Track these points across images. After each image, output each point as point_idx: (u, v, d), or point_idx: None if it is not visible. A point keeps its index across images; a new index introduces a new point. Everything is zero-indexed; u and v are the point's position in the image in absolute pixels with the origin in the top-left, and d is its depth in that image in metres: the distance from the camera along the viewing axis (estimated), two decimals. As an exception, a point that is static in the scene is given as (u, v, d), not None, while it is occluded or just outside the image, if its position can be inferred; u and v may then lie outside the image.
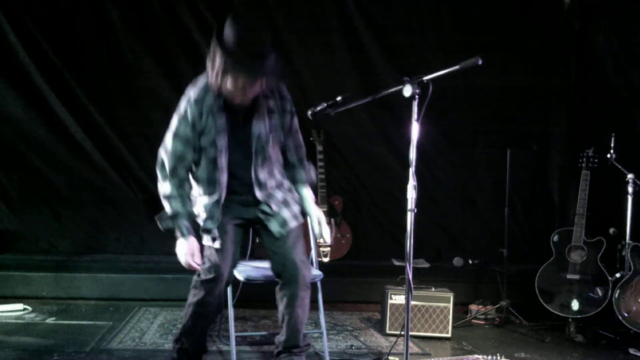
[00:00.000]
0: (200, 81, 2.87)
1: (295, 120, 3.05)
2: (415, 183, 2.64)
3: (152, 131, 5.53)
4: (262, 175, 2.94)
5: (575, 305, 4.24)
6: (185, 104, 2.85)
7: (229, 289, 3.31)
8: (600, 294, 4.20)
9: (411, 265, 2.63)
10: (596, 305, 4.19)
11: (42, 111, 5.34)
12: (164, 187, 2.91)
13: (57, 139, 5.40)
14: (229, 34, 2.67)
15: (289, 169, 3.10)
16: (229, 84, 2.72)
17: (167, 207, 2.90)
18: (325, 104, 3.00)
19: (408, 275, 2.63)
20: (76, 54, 5.38)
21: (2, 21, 5.19)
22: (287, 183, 3.09)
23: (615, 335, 4.21)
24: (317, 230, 3.06)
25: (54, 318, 4.17)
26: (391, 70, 5.57)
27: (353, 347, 3.77)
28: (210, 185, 2.92)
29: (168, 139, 2.90)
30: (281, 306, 3.07)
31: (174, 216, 2.88)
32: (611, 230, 4.41)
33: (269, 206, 2.98)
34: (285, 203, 3.02)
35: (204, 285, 2.94)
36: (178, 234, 2.87)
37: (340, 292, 4.79)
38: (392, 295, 4.07)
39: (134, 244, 5.62)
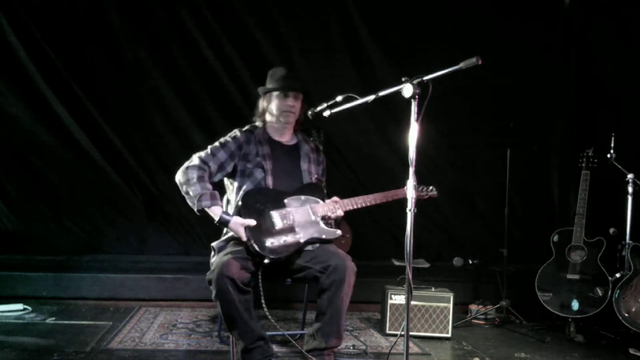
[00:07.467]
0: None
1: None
2: (415, 183, 2.64)
3: (153, 131, 5.56)
4: None
5: (575, 305, 4.24)
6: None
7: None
8: (600, 294, 4.19)
9: (411, 265, 2.63)
10: (596, 305, 4.19)
11: (42, 111, 5.35)
12: None
13: (57, 139, 5.40)
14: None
15: None
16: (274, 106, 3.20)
17: None
18: (325, 104, 3.00)
19: (408, 275, 2.63)
20: (76, 54, 5.38)
21: (2, 21, 5.20)
22: None
23: (615, 335, 4.22)
24: None
25: (54, 318, 4.16)
26: (391, 70, 5.57)
27: (353, 347, 3.76)
28: None
29: None
30: None
31: None
32: (611, 230, 4.41)
33: None
34: None
35: None
36: None
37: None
38: (392, 295, 4.07)
39: (134, 244, 5.63)
